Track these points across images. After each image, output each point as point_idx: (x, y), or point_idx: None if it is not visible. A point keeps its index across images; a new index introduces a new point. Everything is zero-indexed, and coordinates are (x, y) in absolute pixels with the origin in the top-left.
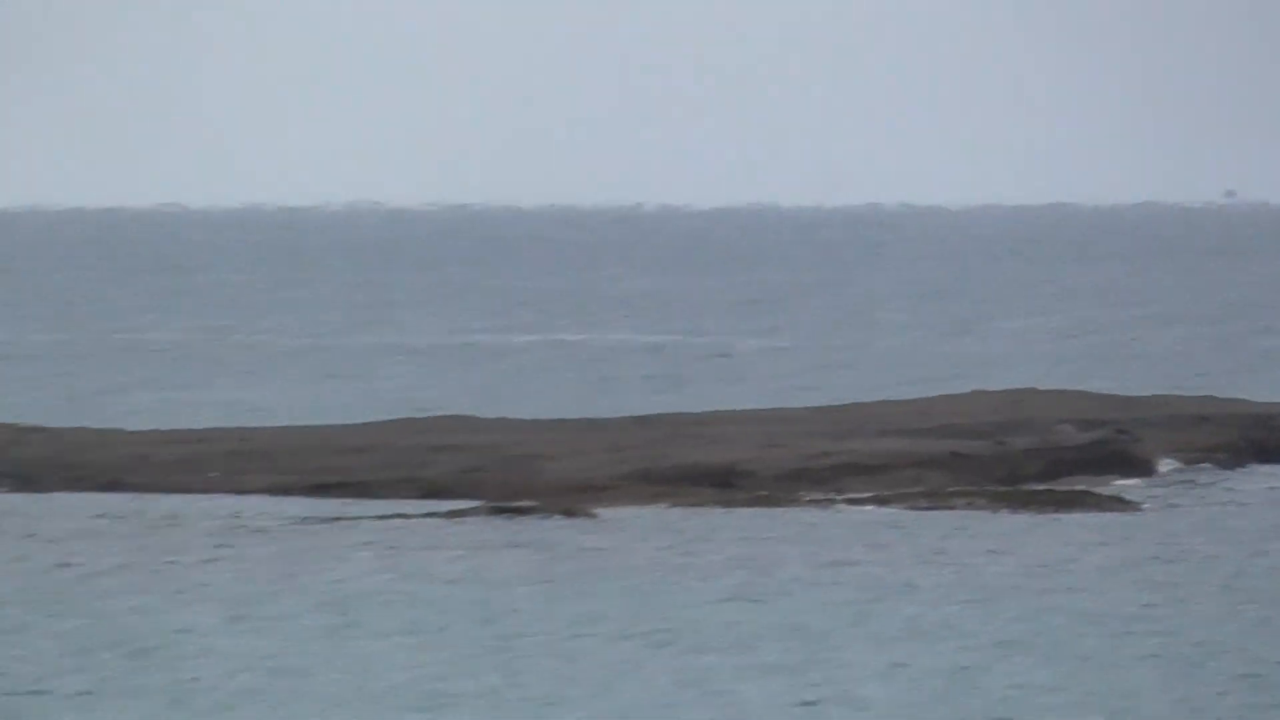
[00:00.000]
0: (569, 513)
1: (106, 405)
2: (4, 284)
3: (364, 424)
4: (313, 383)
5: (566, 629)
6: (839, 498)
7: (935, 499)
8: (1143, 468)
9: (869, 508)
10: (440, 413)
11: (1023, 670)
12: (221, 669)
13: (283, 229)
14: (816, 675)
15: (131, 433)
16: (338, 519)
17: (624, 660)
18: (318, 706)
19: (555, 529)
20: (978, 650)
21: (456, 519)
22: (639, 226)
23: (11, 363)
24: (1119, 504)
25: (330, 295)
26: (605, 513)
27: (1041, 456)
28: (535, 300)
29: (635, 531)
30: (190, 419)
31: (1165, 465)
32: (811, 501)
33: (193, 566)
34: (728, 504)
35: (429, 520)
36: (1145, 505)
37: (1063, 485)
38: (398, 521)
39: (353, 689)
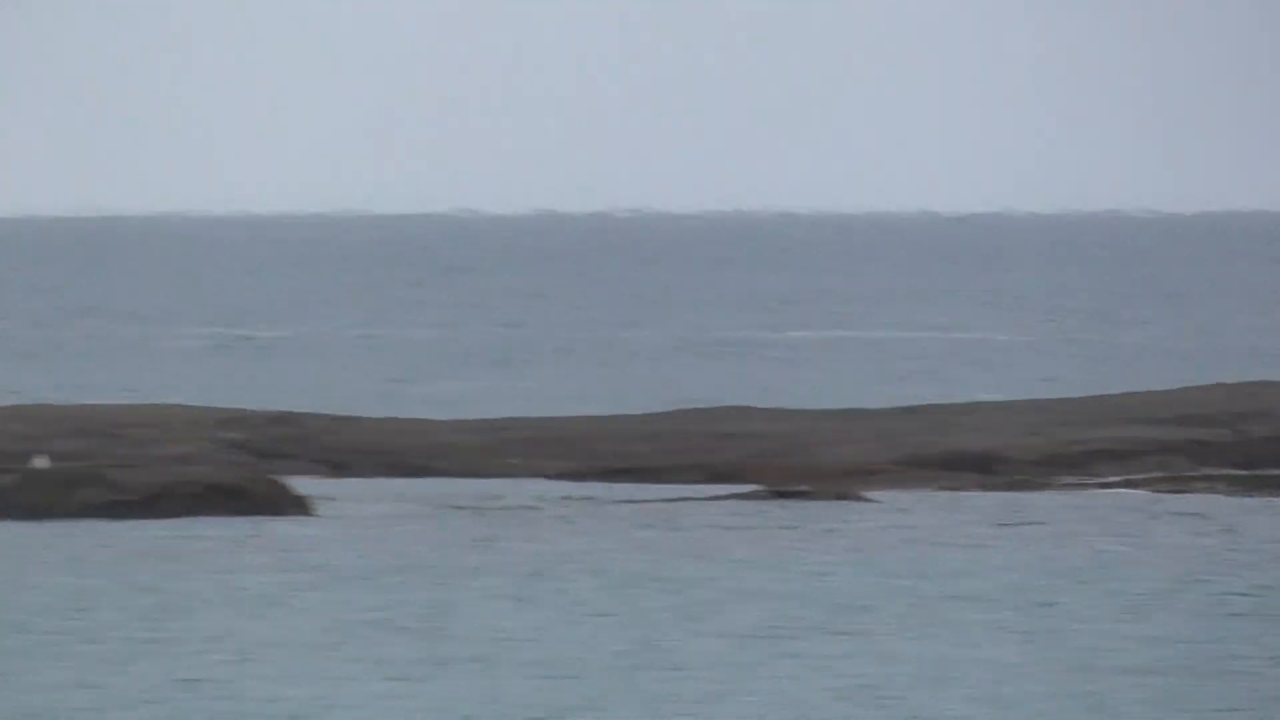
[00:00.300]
0: (842, 496)
1: (412, 395)
2: (312, 283)
3: (653, 414)
4: (599, 375)
5: (839, 602)
6: (1090, 481)
7: (1178, 483)
8: None
9: (1118, 490)
10: (722, 404)
11: (1249, 639)
12: (513, 641)
13: (570, 232)
14: (1060, 641)
15: (439, 421)
16: (629, 501)
17: (889, 632)
18: (603, 679)
19: (829, 511)
20: (1209, 619)
21: (739, 502)
22: (893, 229)
23: (326, 356)
24: None
25: (611, 294)
26: (875, 495)
27: (1277, 444)
28: (801, 299)
29: (902, 512)
30: (489, 408)
31: None
32: (1065, 485)
33: (488, 547)
34: (988, 487)
35: (713, 503)
36: None
37: None
38: (684, 504)
39: (628, 663)
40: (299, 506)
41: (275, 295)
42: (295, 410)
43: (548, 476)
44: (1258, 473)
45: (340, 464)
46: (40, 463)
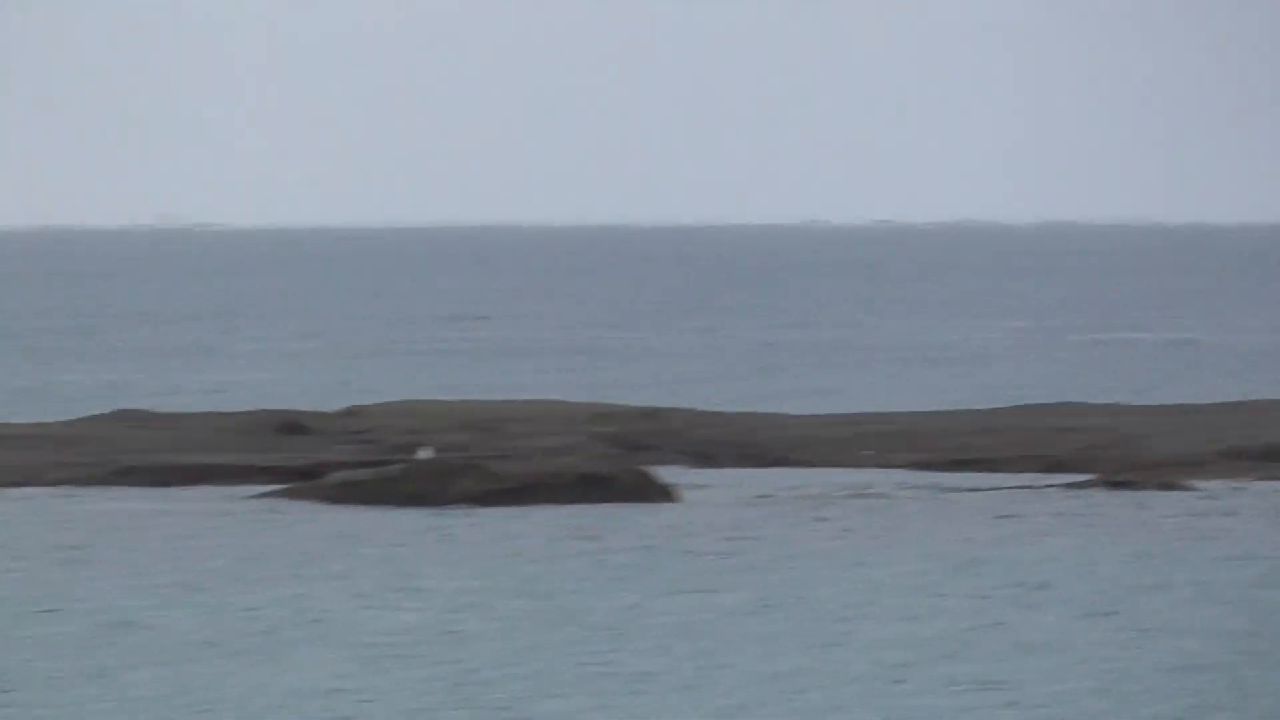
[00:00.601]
0: (1167, 485)
1: (767, 392)
2: (662, 289)
3: (994, 409)
4: (942, 373)
5: (1166, 580)
6: None
7: None
8: None
9: None
10: (1058, 400)
11: None
12: (864, 619)
13: (910, 241)
14: None
15: (796, 415)
16: (971, 490)
17: (1213, 609)
18: (946, 655)
19: (1156, 498)
20: None
21: (1073, 490)
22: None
23: (684, 355)
24: None
25: (953, 297)
26: (1199, 484)
27: None
28: (1131, 303)
29: (1223, 500)
30: (841, 404)
31: None
32: None
33: (840, 531)
34: None
35: (1048, 491)
36: None
37: None
38: (1022, 492)
39: (970, 639)
40: (664, 495)
41: (627, 300)
42: (662, 406)
43: (896, 467)
44: None
45: (704, 455)
46: (425, 454)
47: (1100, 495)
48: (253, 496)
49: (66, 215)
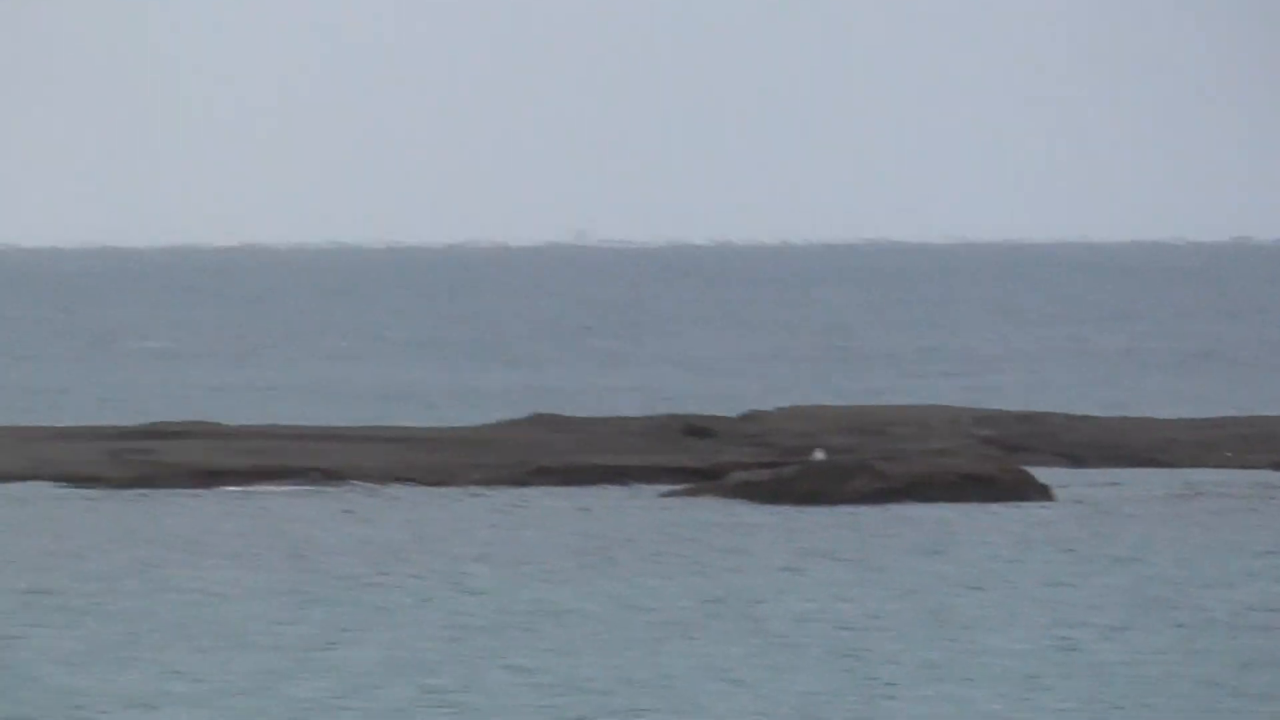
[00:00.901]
0: None
1: (1130, 396)
2: (1005, 305)
3: None
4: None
5: None
6: None
7: None
8: None
9: None
10: None
11: None
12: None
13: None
14: None
15: (1161, 419)
16: None
17: None
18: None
19: None
20: None
21: None
22: None
23: (1042, 363)
24: None
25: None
26: None
27: None
28: None
29: None
30: (1201, 408)
31: None
32: None
33: (1195, 525)
34: None
35: None
36: None
37: None
38: None
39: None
40: (1042, 493)
41: (990, 310)
42: (1038, 410)
43: (1256, 467)
44: None
45: (1077, 456)
46: (818, 455)
47: None
48: (658, 495)
49: (490, 232)
